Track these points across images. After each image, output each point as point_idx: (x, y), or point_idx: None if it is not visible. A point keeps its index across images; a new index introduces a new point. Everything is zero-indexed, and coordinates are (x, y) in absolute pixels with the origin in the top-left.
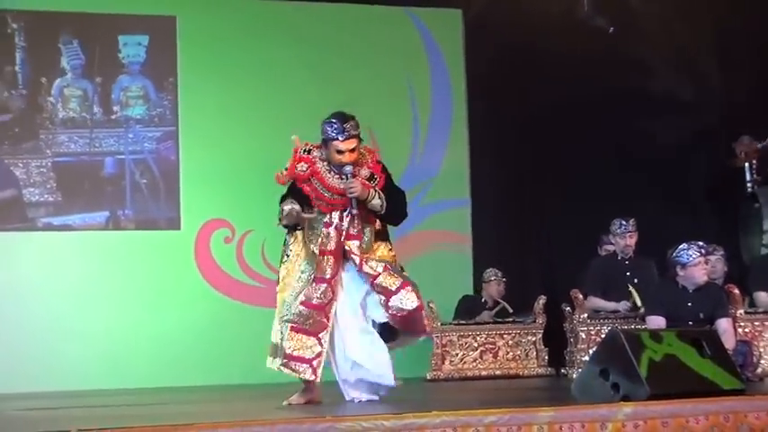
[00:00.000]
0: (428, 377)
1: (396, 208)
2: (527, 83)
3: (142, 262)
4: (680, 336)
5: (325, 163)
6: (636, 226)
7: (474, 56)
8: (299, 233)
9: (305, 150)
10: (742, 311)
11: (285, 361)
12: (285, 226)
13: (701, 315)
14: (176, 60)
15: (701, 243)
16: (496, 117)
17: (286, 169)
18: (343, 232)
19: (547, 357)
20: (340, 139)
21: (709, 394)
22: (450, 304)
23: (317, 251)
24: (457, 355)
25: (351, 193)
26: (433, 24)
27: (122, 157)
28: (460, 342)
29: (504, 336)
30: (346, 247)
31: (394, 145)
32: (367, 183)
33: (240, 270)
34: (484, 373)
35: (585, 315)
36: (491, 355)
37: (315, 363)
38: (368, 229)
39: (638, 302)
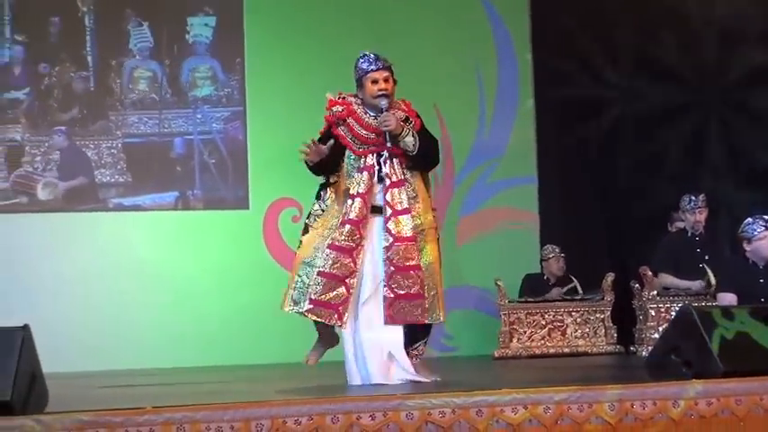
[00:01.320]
0: (495, 355)
1: (428, 150)
2: (594, 58)
3: (211, 241)
4: (752, 313)
5: (360, 107)
6: (706, 202)
7: (540, 31)
8: (332, 190)
9: (339, 97)
10: None
11: (311, 307)
12: (313, 164)
13: None
14: (243, 40)
15: (766, 217)
16: (563, 94)
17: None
18: (385, 179)
19: (615, 335)
20: (373, 69)
21: None
22: (518, 282)
23: (346, 196)
24: (525, 332)
25: (385, 126)
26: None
27: (191, 137)
28: (528, 320)
29: (573, 313)
30: (387, 196)
31: (461, 123)
32: (401, 121)
33: None
34: (552, 350)
35: (655, 292)
36: (559, 332)
37: (341, 308)
38: (412, 178)
39: (713, 281)
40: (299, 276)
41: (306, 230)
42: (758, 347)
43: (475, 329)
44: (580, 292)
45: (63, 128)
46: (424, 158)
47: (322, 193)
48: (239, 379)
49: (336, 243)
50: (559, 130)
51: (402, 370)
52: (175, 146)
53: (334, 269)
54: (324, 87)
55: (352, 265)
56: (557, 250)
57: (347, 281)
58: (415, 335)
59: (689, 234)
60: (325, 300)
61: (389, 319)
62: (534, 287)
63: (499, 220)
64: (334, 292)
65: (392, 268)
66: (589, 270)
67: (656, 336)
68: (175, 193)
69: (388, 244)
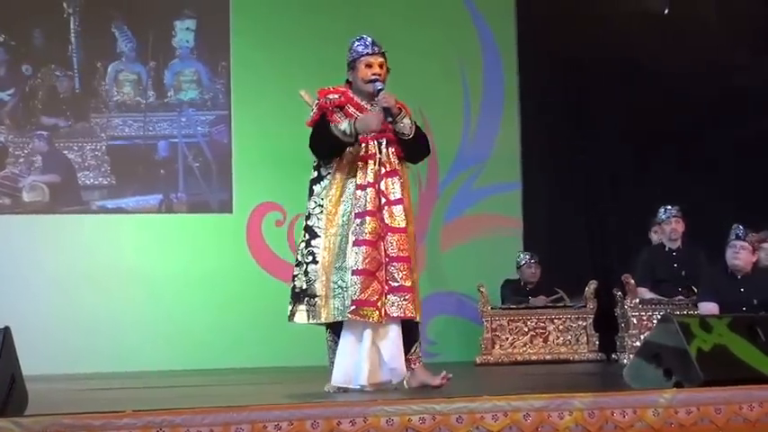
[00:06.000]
0: (477, 361)
1: (420, 136)
2: (579, 65)
3: (194, 245)
4: (731, 325)
5: (353, 94)
6: (681, 212)
7: (526, 37)
8: (328, 182)
9: (331, 88)
10: None
11: (354, 308)
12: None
13: (755, 301)
14: (229, 44)
15: (740, 226)
16: (548, 100)
17: (315, 112)
18: (383, 166)
19: (597, 343)
20: (369, 52)
21: (756, 383)
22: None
23: (353, 187)
24: (507, 339)
25: (384, 103)
26: (484, 5)
27: (175, 140)
28: (510, 326)
29: (555, 320)
30: (382, 185)
31: (446, 128)
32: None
33: (291, 253)
34: (534, 357)
35: (637, 300)
36: (541, 339)
37: (379, 304)
38: (403, 168)
39: (567, 300)
40: (334, 283)
41: (313, 234)
42: (735, 360)
43: (457, 335)
44: (567, 301)
45: (45, 133)
46: (417, 144)
47: (315, 188)
48: (222, 383)
49: (361, 238)
50: (544, 136)
51: (395, 374)
52: (159, 149)
53: (366, 264)
54: (310, 91)
55: (379, 257)
56: (527, 257)
57: (377, 274)
58: (410, 337)
59: (666, 249)
60: (364, 298)
61: (406, 313)
62: (515, 292)
63: (483, 226)
64: (371, 289)
65: (386, 259)
66: (572, 277)
67: (638, 344)
68: (159, 196)
69: (382, 234)
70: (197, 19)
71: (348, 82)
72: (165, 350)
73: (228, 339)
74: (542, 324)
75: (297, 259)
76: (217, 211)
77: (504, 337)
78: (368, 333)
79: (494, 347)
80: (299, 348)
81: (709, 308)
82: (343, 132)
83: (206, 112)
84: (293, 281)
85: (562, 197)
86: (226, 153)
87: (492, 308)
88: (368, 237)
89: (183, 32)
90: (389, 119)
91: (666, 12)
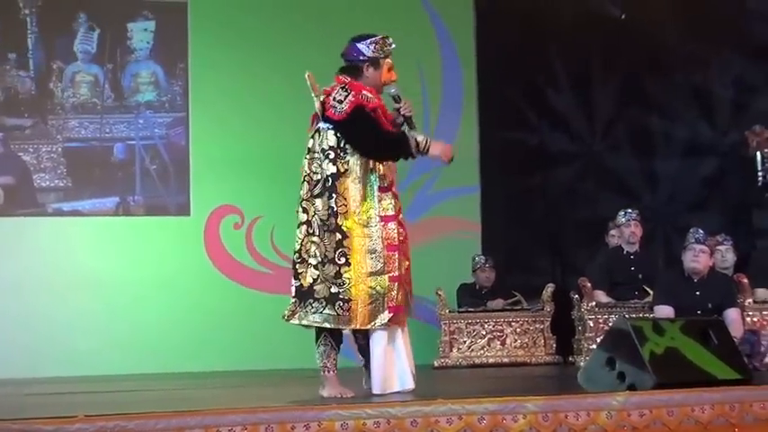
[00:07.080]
0: (435, 364)
1: None
2: (537, 68)
3: (152, 248)
4: (684, 328)
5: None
6: (640, 216)
7: (484, 41)
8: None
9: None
10: (750, 301)
11: (391, 315)
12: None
13: (710, 304)
14: (187, 46)
15: (699, 230)
16: (506, 103)
17: (347, 105)
18: (394, 172)
19: (555, 345)
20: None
21: (708, 385)
22: None
23: (375, 189)
24: (465, 342)
25: (409, 112)
26: (443, 8)
27: (133, 142)
28: (468, 329)
29: (512, 323)
30: (394, 189)
31: None
32: None
33: (249, 256)
34: (491, 360)
35: (593, 303)
36: (499, 342)
37: (407, 308)
38: None
39: (524, 303)
40: (372, 288)
41: (344, 234)
42: (687, 363)
43: (415, 338)
44: (524, 304)
45: None
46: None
47: (336, 185)
48: (177, 387)
49: (394, 243)
50: (503, 138)
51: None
52: (116, 151)
53: (400, 270)
54: (268, 93)
55: (406, 261)
56: (482, 260)
57: (403, 278)
58: None
59: (624, 252)
60: (396, 304)
61: (412, 314)
62: (470, 296)
63: (442, 229)
64: (401, 293)
65: (407, 263)
66: (530, 280)
67: (595, 346)
68: (116, 198)
69: (402, 238)
70: (155, 20)
71: (353, 73)
72: (121, 354)
73: (186, 343)
74: (500, 327)
75: (300, 257)
76: (174, 213)
77: (461, 340)
78: (400, 337)
79: (452, 350)
80: (257, 352)
81: (665, 312)
82: (417, 144)
83: (163, 114)
84: (297, 279)
85: (520, 200)
86: (183, 155)
87: (450, 311)
88: (396, 242)
89: (141, 34)
90: (413, 131)
91: (623, 17)
